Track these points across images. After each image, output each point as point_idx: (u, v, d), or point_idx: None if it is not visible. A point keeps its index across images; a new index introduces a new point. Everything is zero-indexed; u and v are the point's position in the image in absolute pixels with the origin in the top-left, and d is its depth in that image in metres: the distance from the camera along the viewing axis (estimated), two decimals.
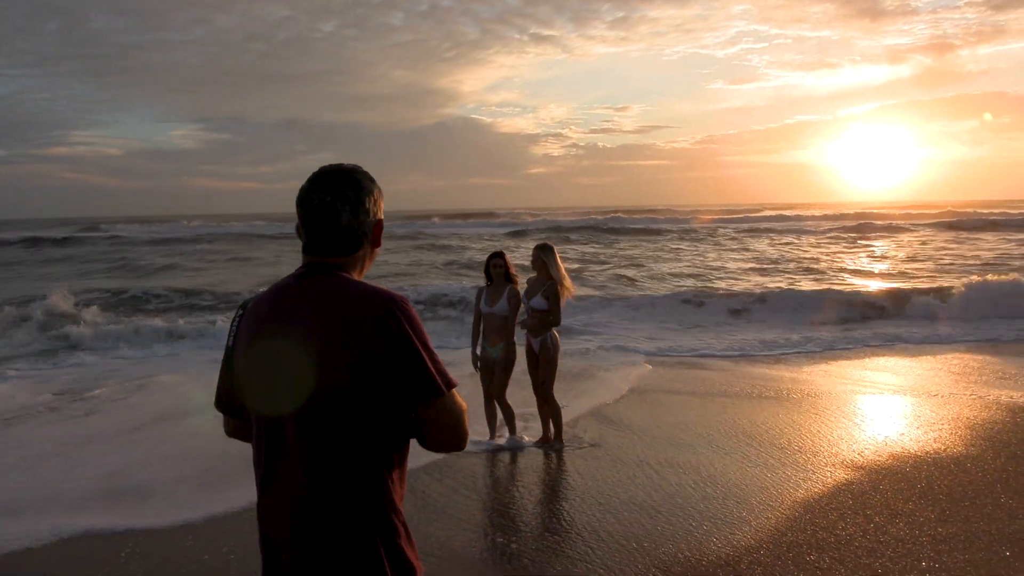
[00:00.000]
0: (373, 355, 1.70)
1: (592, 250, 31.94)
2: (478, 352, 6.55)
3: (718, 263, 25.58)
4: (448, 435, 1.78)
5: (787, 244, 34.28)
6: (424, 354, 1.75)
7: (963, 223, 45.05)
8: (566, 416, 7.27)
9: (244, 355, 1.85)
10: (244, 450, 1.96)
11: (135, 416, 7.56)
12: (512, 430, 6.66)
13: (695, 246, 34.19)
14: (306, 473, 1.74)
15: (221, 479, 5.63)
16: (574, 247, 33.32)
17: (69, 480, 5.71)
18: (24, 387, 8.98)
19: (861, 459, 6.05)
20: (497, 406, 6.66)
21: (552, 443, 6.53)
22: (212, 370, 2.13)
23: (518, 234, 43.89)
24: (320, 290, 1.79)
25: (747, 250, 31.27)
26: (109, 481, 5.69)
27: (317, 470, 1.73)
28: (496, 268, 6.41)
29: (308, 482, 1.74)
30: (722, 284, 19.36)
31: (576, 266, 23.16)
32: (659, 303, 15.08)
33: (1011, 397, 7.99)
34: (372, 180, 1.93)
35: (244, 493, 4.91)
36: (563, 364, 7.18)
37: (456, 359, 9.46)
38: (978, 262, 24.30)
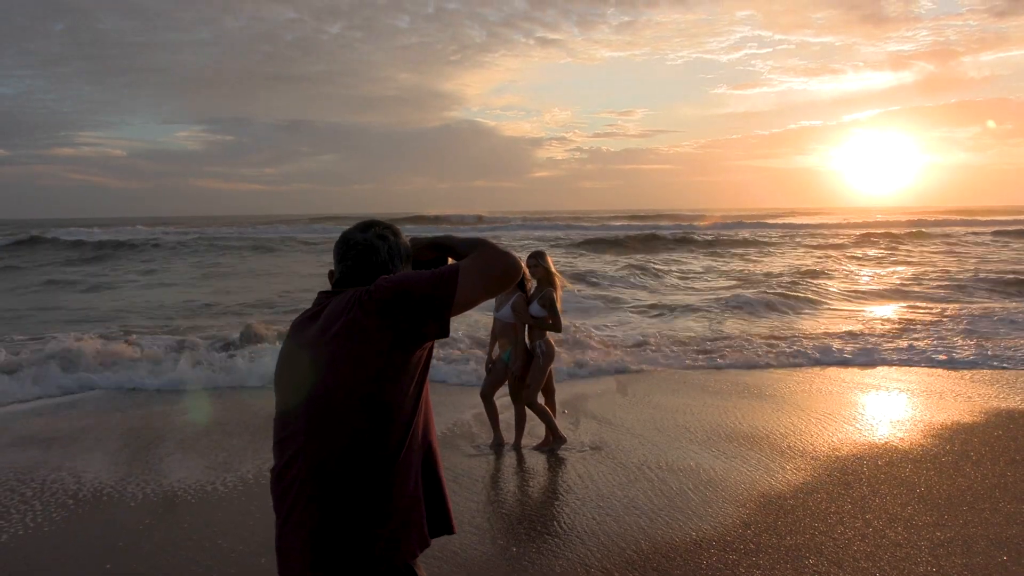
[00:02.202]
0: (386, 322, 1.86)
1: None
2: (494, 355, 6.69)
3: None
4: (488, 273, 1.92)
5: (941, 252, 31.52)
6: (416, 276, 1.92)
7: None
8: (567, 419, 7.30)
9: (277, 377, 2.05)
10: None
11: None
12: (518, 437, 6.69)
13: (835, 254, 30.99)
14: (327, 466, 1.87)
15: None
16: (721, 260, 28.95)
17: None
18: None
19: (860, 463, 6.07)
20: (496, 406, 6.76)
21: (552, 445, 6.56)
22: None
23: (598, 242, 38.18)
24: (334, 307, 1.95)
25: (922, 262, 27.36)
26: None
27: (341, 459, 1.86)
28: None
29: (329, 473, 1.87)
30: None
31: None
32: None
33: (1011, 403, 8.01)
34: (407, 241, 2.13)
35: None
36: None
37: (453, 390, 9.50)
38: None
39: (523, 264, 2.01)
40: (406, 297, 1.86)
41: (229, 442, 6.83)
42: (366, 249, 2.01)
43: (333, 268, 2.07)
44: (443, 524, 2.03)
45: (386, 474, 1.85)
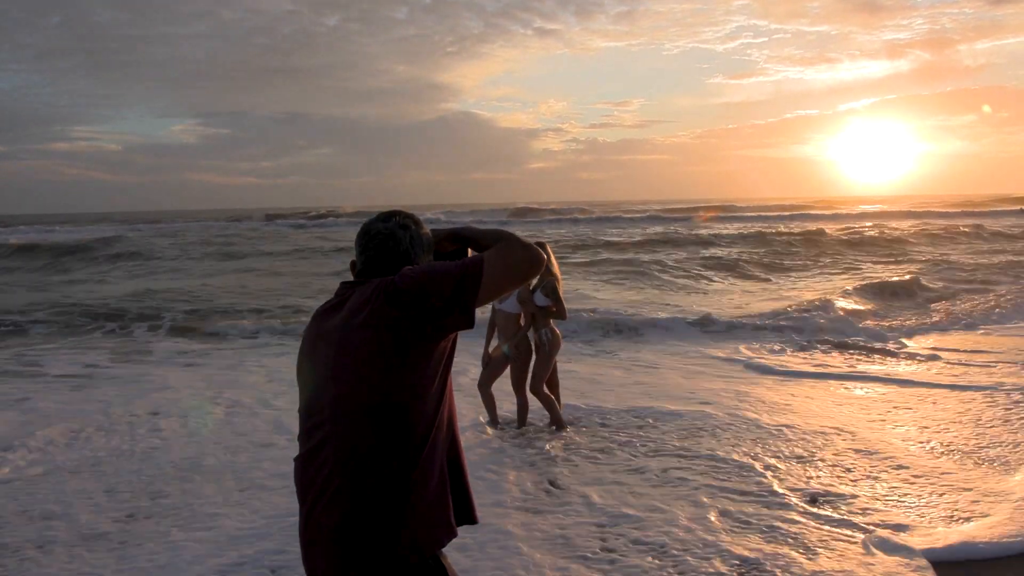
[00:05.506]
0: (408, 312, 1.85)
1: None
2: (491, 349, 6.68)
3: None
4: (513, 264, 1.92)
5: None
6: (441, 267, 1.91)
7: None
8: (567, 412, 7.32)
9: (299, 368, 2.04)
10: None
11: None
12: (521, 423, 6.73)
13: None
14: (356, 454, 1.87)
15: None
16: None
17: None
18: None
19: (861, 453, 6.10)
20: (493, 395, 6.81)
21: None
22: None
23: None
24: (358, 297, 1.94)
25: None
26: None
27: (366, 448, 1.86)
28: None
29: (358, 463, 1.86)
30: None
31: None
32: None
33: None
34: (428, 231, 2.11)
35: None
36: None
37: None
38: None
39: (544, 256, 1.99)
40: (431, 288, 1.85)
41: None
42: (388, 239, 2.00)
43: (355, 258, 2.07)
44: (466, 514, 2.04)
45: (411, 468, 1.84)
